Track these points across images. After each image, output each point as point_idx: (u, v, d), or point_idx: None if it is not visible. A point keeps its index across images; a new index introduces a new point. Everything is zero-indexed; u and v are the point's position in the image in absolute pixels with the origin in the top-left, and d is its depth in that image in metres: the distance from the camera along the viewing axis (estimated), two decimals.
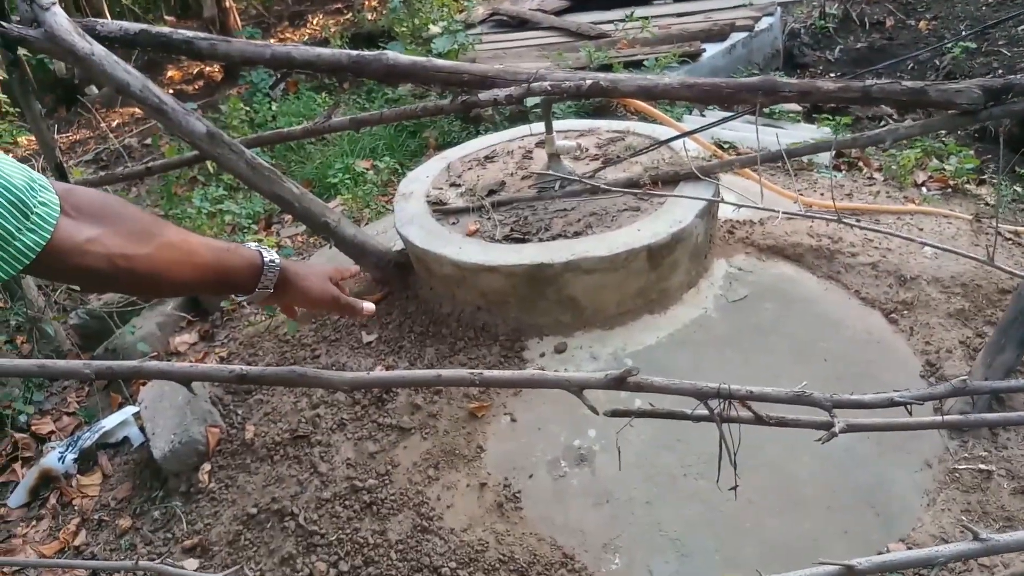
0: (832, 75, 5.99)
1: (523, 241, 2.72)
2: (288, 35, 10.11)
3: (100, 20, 2.86)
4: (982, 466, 2.28)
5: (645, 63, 5.00)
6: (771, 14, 5.92)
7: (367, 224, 4.17)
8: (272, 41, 9.75)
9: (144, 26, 2.90)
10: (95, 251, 0.95)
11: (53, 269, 0.93)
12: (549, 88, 2.65)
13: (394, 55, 2.77)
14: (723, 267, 2.91)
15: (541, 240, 2.71)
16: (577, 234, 2.71)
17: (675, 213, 2.68)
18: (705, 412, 1.35)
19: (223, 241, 1.18)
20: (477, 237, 2.80)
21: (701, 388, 1.34)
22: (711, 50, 5.36)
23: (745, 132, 4.27)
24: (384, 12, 7.91)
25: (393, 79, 2.88)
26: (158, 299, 3.68)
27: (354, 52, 2.78)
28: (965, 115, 2.63)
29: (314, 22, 10.31)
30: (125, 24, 2.89)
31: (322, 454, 2.56)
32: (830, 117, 4.74)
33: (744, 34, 5.59)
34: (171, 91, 8.47)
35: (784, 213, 2.44)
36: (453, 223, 2.93)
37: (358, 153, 5.13)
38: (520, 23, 6.39)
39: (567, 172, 3.00)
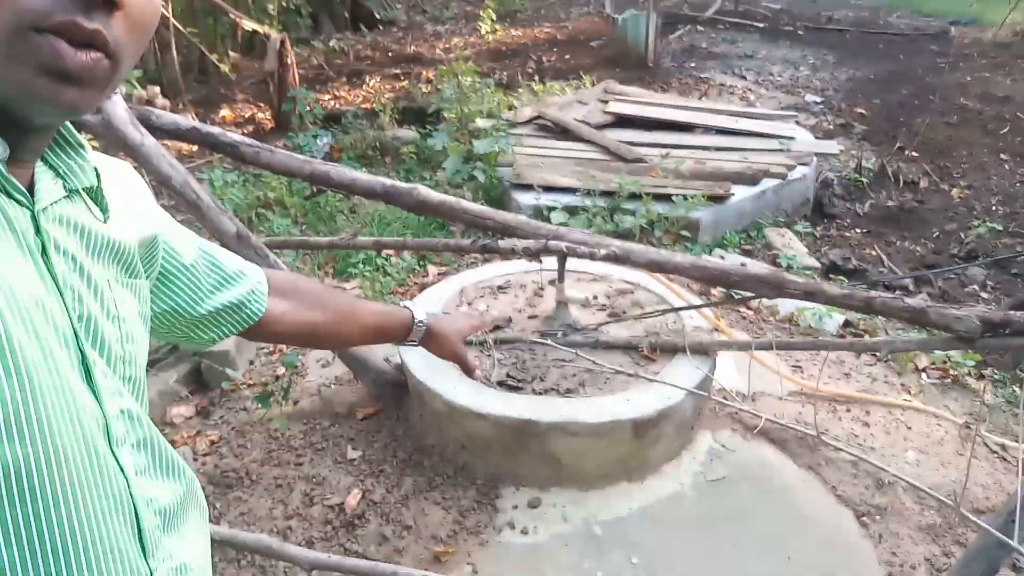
0: (859, 230, 6.10)
1: (517, 389, 2.81)
2: (343, 93, 10.43)
3: (156, 111, 3.03)
4: None
5: (673, 199, 5.13)
6: (807, 164, 6.04)
7: None
8: (327, 97, 10.09)
9: (195, 124, 3.07)
10: (287, 320, 1.27)
11: (258, 333, 1.24)
12: (564, 250, 2.77)
13: (425, 191, 2.90)
14: (708, 441, 2.97)
15: (534, 391, 2.79)
16: (569, 391, 2.79)
17: (666, 388, 2.76)
18: None
19: (384, 305, 1.56)
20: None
21: None
22: (740, 193, 5.47)
23: None
24: (438, 90, 8.13)
25: (423, 212, 3.02)
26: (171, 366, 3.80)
27: (388, 182, 2.92)
28: (963, 340, 2.69)
29: (371, 84, 10.63)
30: (178, 118, 3.06)
31: (287, 569, 2.62)
32: (845, 278, 4.84)
33: (776, 181, 5.71)
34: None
35: (768, 419, 2.53)
36: None
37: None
38: (562, 131, 6.57)
39: (573, 321, 3.11)
